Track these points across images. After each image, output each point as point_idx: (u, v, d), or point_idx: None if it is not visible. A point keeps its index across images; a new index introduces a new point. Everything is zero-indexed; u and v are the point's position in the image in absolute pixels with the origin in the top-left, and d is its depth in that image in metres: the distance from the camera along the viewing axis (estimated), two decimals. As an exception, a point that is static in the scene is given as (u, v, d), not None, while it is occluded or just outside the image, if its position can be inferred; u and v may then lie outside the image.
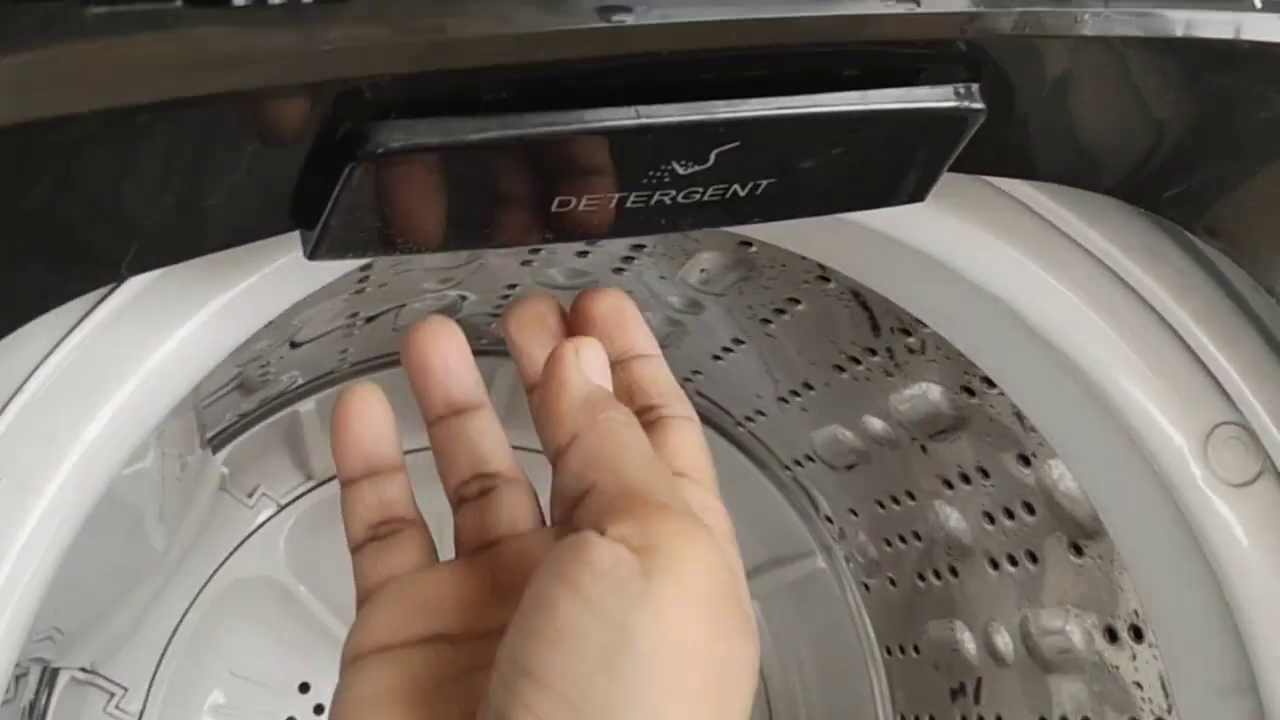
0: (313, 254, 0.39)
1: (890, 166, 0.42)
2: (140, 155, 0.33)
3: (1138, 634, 0.73)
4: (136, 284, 0.43)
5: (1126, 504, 0.63)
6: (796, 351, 0.91)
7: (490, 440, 0.45)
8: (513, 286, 0.91)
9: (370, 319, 0.93)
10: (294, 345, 0.92)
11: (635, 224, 0.40)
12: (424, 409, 0.46)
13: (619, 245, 0.82)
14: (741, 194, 0.41)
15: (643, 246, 0.82)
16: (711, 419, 1.10)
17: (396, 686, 0.37)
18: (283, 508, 1.07)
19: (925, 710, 1.01)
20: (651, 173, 0.38)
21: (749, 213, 0.43)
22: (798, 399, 0.97)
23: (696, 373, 1.04)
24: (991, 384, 0.75)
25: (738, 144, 0.38)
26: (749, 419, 1.08)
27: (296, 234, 0.40)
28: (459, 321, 0.51)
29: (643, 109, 0.36)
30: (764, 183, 0.41)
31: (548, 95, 0.35)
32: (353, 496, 0.45)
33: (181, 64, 0.30)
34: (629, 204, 0.39)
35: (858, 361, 0.86)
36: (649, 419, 0.42)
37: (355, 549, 0.44)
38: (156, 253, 0.37)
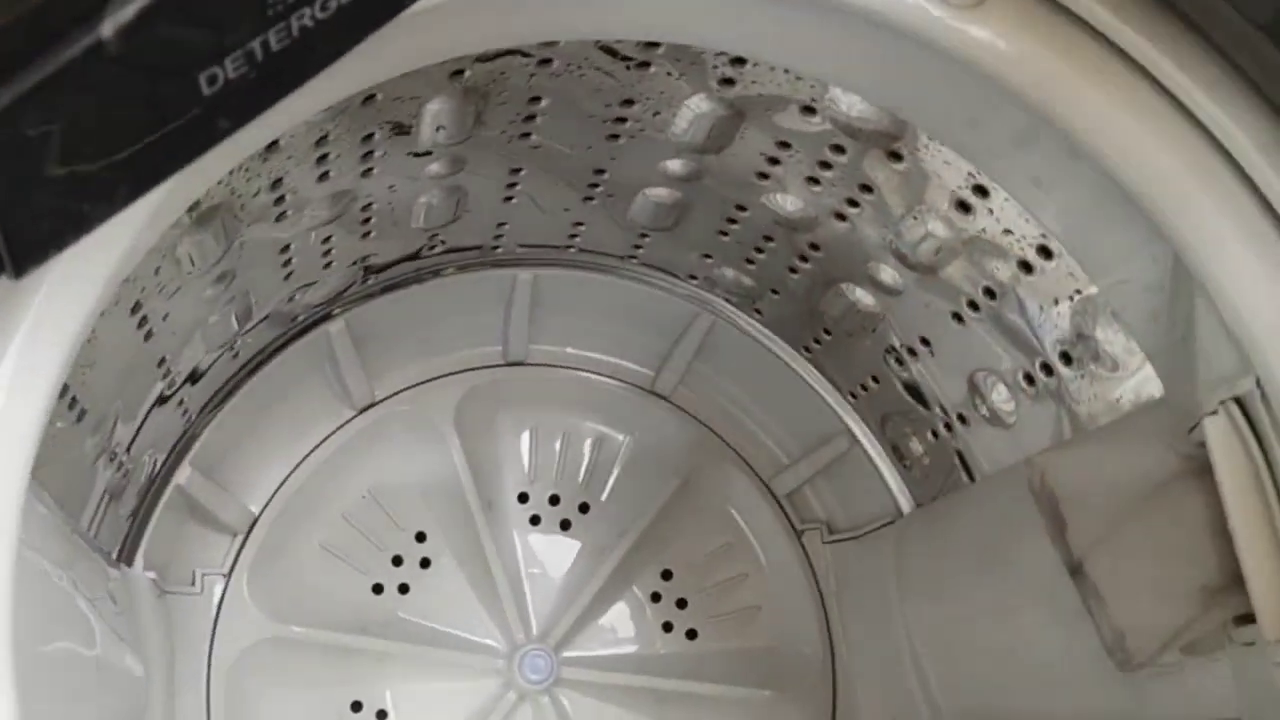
0: (18, 273, 0.38)
1: None
2: None
3: (981, 191, 0.77)
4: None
5: (898, 84, 0.65)
6: (568, 147, 0.90)
7: None
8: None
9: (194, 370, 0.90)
10: (138, 424, 0.88)
11: (295, 66, 0.38)
12: None
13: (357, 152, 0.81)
14: None
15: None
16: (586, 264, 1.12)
17: None
18: (229, 574, 1.05)
19: (868, 374, 1.06)
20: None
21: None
22: (598, 189, 0.98)
23: (502, 224, 1.03)
24: (741, 62, 0.76)
25: None
26: (572, 237, 1.08)
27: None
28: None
29: None
30: None
31: None
32: None
33: None
34: (273, 47, 0.37)
35: (623, 120, 0.86)
36: None
37: None
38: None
